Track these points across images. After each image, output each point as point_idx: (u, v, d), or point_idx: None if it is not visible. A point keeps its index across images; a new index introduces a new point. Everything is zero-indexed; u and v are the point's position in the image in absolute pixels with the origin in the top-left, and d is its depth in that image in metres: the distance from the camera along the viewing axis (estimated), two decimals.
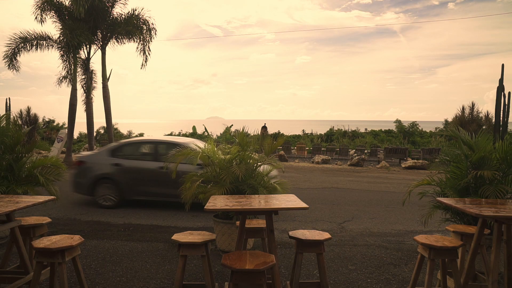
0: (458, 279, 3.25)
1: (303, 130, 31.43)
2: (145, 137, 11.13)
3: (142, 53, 15.85)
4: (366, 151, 20.73)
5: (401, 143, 23.91)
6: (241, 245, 3.49)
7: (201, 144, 6.19)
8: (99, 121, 20.04)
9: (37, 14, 14.57)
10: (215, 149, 5.49)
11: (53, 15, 15.08)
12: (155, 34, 15.92)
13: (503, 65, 11.61)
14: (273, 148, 5.51)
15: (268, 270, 3.00)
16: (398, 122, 27.24)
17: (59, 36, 14.60)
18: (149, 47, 15.91)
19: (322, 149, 21.52)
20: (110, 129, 16.22)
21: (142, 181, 7.59)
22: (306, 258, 4.84)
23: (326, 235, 3.48)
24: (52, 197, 3.73)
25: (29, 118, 24.53)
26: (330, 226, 6.54)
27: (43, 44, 15.03)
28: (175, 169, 5.58)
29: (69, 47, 14.30)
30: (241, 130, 5.64)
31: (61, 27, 14.60)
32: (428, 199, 5.05)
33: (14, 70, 14.74)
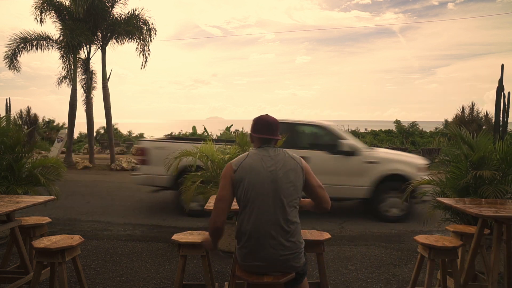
0: (458, 279, 3.25)
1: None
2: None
3: (142, 54, 15.84)
4: None
5: (402, 143, 23.90)
6: None
7: None
8: (99, 121, 20.00)
9: (37, 15, 14.57)
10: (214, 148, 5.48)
11: (53, 15, 15.06)
12: (155, 34, 15.87)
13: (502, 65, 11.61)
14: None
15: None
16: (397, 122, 27.24)
17: (59, 36, 14.58)
18: (148, 47, 15.87)
19: None
20: (110, 129, 16.20)
21: None
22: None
23: (326, 235, 3.48)
24: (52, 197, 3.73)
25: (29, 118, 24.50)
26: (330, 226, 6.53)
27: (43, 44, 15.02)
28: (176, 167, 5.52)
29: (69, 47, 14.27)
30: (241, 130, 5.63)
31: (61, 27, 14.57)
32: (428, 199, 5.06)
33: (15, 70, 14.74)
